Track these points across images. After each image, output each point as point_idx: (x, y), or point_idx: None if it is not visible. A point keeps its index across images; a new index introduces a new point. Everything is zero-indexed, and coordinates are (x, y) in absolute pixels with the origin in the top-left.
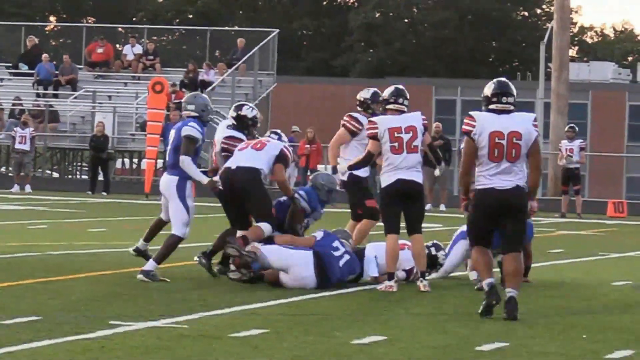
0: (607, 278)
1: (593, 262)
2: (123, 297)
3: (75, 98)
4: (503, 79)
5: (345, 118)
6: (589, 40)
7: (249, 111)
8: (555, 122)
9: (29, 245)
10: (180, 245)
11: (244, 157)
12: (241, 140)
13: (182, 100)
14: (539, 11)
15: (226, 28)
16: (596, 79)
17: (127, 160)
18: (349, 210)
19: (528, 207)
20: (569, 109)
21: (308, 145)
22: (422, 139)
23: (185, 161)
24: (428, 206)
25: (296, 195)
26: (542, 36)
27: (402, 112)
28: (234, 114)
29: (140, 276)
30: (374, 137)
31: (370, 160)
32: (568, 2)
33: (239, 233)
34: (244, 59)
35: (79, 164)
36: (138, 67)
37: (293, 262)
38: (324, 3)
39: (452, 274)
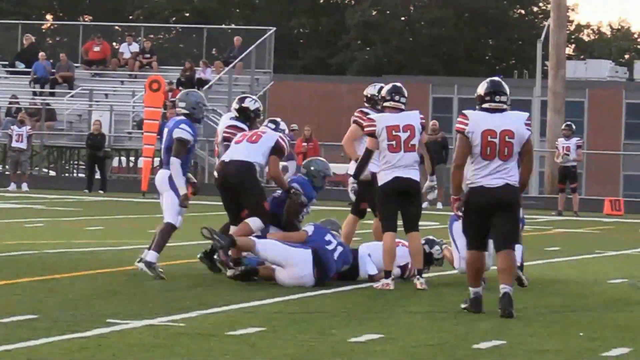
0: (603, 276)
1: (590, 259)
2: (120, 296)
3: (72, 96)
4: (496, 78)
5: (356, 114)
6: (586, 38)
7: (251, 103)
8: (552, 120)
9: (26, 244)
10: (177, 244)
11: (239, 150)
12: (242, 130)
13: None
14: (535, 9)
15: (223, 26)
16: (593, 77)
17: (124, 159)
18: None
19: (520, 204)
20: (566, 107)
21: (305, 143)
22: (419, 137)
23: (175, 164)
24: (425, 204)
25: (294, 188)
26: (539, 34)
27: (400, 109)
28: (237, 106)
29: (140, 265)
30: (372, 135)
31: (369, 157)
32: (565, 0)
33: (232, 229)
34: (241, 57)
35: (76, 162)
36: (135, 66)
37: (292, 260)
38: (321, 1)
39: (449, 272)
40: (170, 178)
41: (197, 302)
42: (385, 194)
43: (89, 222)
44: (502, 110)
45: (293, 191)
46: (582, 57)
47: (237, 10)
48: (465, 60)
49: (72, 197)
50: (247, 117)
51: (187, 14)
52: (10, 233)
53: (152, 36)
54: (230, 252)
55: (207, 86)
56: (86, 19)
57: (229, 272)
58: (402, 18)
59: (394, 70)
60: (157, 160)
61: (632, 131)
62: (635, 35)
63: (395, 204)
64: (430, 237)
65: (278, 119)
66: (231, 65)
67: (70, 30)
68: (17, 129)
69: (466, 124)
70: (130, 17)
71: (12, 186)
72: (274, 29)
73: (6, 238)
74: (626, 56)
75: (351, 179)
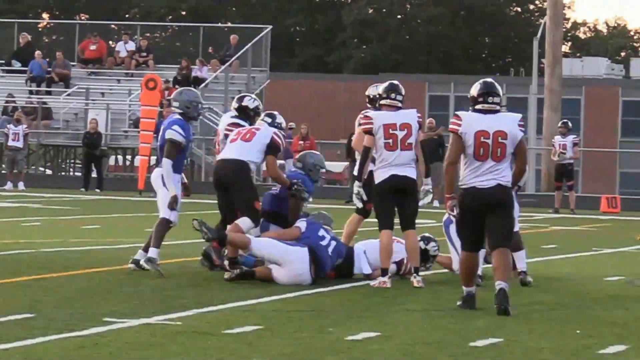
0: (600, 273)
1: (586, 257)
2: (117, 294)
3: (68, 95)
4: (489, 79)
5: (360, 117)
6: (582, 36)
7: (250, 102)
8: (549, 118)
9: (22, 243)
10: (174, 242)
11: (233, 149)
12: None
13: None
14: (532, 7)
15: (219, 25)
16: (589, 75)
17: (120, 157)
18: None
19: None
20: (562, 104)
21: (302, 142)
22: (416, 136)
23: (167, 165)
24: (421, 202)
25: (296, 184)
26: (535, 32)
27: (397, 107)
28: (236, 105)
29: (141, 262)
30: (369, 132)
31: (368, 155)
32: None
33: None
34: (237, 55)
35: (72, 161)
36: (131, 64)
37: (289, 258)
38: None
39: (446, 270)
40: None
41: (194, 301)
42: (381, 191)
43: (86, 221)
44: (495, 112)
45: (295, 187)
46: (578, 54)
47: (234, 9)
48: (462, 58)
49: (69, 195)
50: (247, 115)
51: (184, 13)
52: (6, 232)
53: (148, 35)
54: (226, 252)
55: (203, 84)
56: (82, 18)
57: (226, 275)
58: (399, 16)
59: (390, 68)
60: (153, 158)
61: (628, 129)
62: (632, 33)
63: (392, 201)
64: (426, 234)
65: (275, 113)
66: (227, 64)
67: (67, 28)
68: (14, 128)
69: (459, 125)
70: (127, 15)
71: (9, 185)
72: (271, 27)
73: (3, 237)
74: (622, 54)
75: (357, 183)
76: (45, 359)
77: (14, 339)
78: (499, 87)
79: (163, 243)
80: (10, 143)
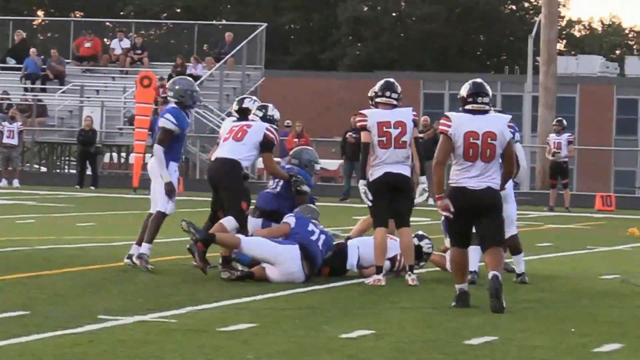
0: (595, 271)
1: (581, 255)
2: (111, 292)
3: (63, 92)
4: (478, 79)
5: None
6: (577, 34)
7: (250, 103)
8: (544, 116)
9: (17, 240)
10: (169, 239)
11: (225, 148)
12: None
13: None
14: (526, 5)
15: (214, 22)
16: (584, 73)
17: (115, 155)
18: (334, 203)
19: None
20: (557, 102)
21: (296, 139)
22: (411, 134)
23: (157, 151)
24: (416, 201)
25: (294, 176)
26: (530, 30)
27: (393, 105)
28: (237, 107)
29: (127, 261)
30: (364, 129)
31: (368, 150)
32: None
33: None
34: (232, 53)
35: (67, 158)
36: (126, 62)
37: (280, 257)
38: None
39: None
40: None
41: (188, 298)
42: (376, 189)
43: (80, 218)
44: (484, 112)
45: (294, 179)
46: (573, 52)
47: (228, 6)
48: (457, 56)
49: (64, 193)
50: (248, 117)
51: (178, 10)
52: (1, 229)
53: (143, 32)
54: (221, 252)
55: (198, 82)
56: (77, 15)
57: (224, 275)
58: (394, 14)
59: (385, 66)
60: (148, 156)
61: (623, 127)
62: (627, 31)
63: (386, 199)
64: (420, 232)
65: (268, 105)
66: (222, 61)
67: (61, 26)
68: (8, 125)
69: (449, 126)
70: (122, 13)
71: (3, 182)
72: (265, 24)
73: None
74: (617, 52)
75: (361, 182)
76: (40, 356)
77: (9, 336)
78: (488, 87)
79: (158, 241)
80: (5, 140)
